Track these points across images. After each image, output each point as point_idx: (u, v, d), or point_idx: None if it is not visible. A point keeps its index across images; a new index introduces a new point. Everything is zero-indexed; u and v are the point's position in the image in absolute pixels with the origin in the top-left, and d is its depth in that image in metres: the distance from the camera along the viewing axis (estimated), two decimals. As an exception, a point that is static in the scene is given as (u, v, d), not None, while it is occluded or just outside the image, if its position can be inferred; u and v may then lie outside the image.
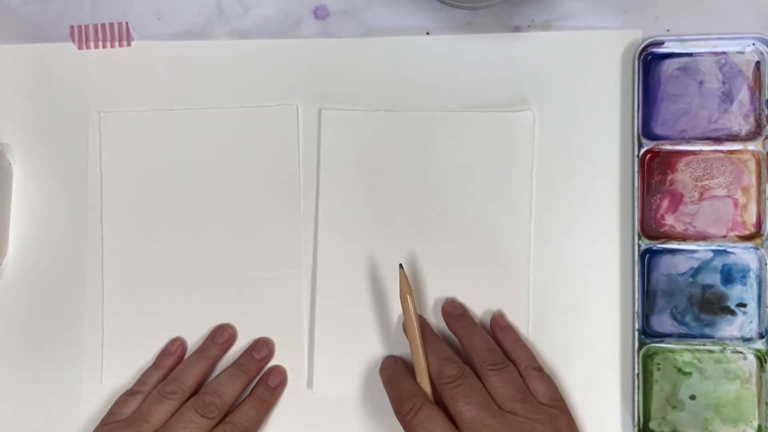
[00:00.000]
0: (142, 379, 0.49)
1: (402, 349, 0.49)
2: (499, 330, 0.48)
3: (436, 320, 0.49)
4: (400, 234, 0.49)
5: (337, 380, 0.49)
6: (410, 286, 0.45)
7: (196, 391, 0.48)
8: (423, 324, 0.48)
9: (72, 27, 0.51)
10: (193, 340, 0.50)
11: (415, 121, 0.49)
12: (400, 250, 0.49)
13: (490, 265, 0.49)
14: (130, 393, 0.48)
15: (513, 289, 0.49)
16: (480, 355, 0.45)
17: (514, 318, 0.49)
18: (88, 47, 0.51)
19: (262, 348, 0.49)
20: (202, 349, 0.49)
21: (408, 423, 0.43)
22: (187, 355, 0.50)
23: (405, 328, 0.46)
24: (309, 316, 0.50)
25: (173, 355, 0.49)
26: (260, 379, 0.49)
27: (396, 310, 0.49)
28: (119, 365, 0.50)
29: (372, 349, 0.49)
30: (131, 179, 0.51)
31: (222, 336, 0.49)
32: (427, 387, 0.45)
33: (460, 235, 0.49)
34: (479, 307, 0.49)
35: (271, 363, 0.50)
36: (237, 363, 0.49)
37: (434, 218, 0.49)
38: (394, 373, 0.47)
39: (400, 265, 0.46)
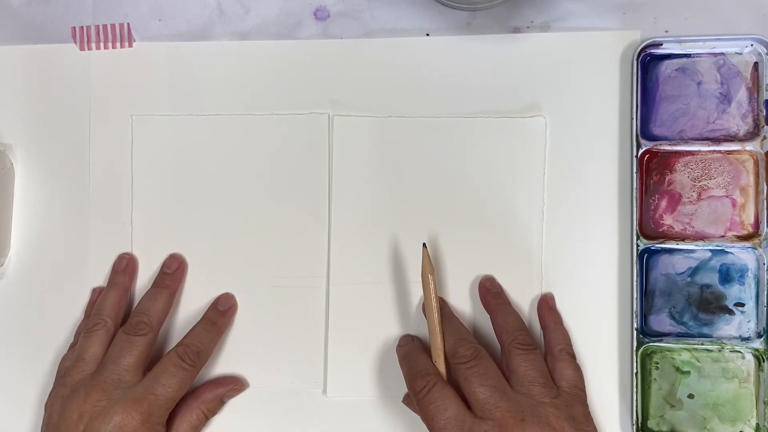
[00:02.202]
0: (76, 332, 0.50)
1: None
2: (547, 309, 0.48)
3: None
4: (412, 241, 0.49)
5: (350, 385, 0.49)
6: (432, 265, 0.46)
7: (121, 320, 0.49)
8: (442, 305, 0.48)
9: (73, 28, 0.51)
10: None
11: (427, 127, 0.49)
12: (412, 256, 0.49)
13: (503, 271, 0.49)
14: (68, 349, 0.49)
15: (527, 289, 0.49)
16: (511, 333, 0.46)
17: (525, 317, 0.49)
18: (89, 48, 0.51)
19: (171, 263, 0.50)
20: (108, 281, 0.50)
21: (421, 400, 0.43)
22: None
23: (424, 307, 0.46)
24: (324, 323, 0.50)
25: None
26: (210, 305, 0.50)
27: (408, 313, 0.49)
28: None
29: (384, 353, 0.49)
30: (159, 180, 0.51)
31: (120, 264, 0.50)
32: (441, 366, 0.45)
33: (474, 240, 0.49)
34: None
35: (287, 368, 0.50)
36: (153, 284, 0.49)
37: (447, 223, 0.49)
38: (410, 350, 0.47)
39: (424, 244, 0.46)
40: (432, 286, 0.45)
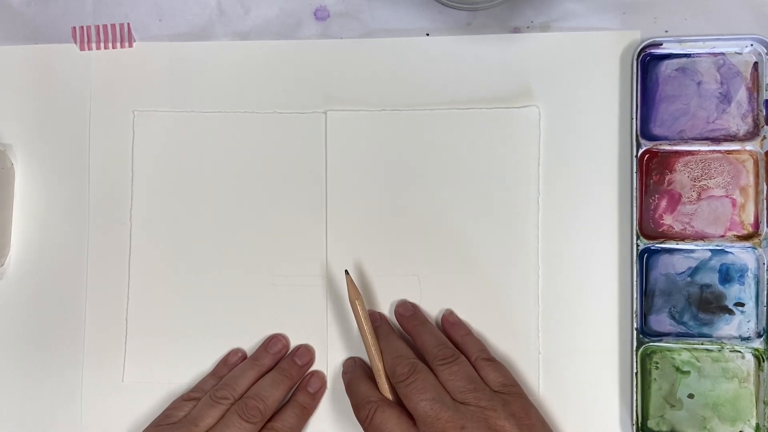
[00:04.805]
0: (199, 386, 0.49)
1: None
2: (449, 326, 0.48)
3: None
4: (409, 233, 0.49)
5: None
6: (358, 290, 0.46)
7: None
8: (380, 324, 0.48)
9: (74, 28, 0.51)
10: (217, 340, 0.50)
11: (421, 120, 0.50)
12: (408, 248, 0.49)
13: (499, 263, 0.49)
14: (186, 398, 0.48)
15: (523, 285, 0.49)
16: (430, 351, 0.46)
17: (523, 316, 0.49)
18: (89, 48, 0.51)
19: (304, 354, 0.49)
20: (255, 357, 0.49)
21: (366, 429, 0.44)
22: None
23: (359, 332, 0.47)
24: (325, 318, 0.50)
25: (233, 366, 0.49)
26: (300, 385, 0.49)
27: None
28: (141, 364, 0.50)
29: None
30: (160, 179, 0.51)
31: (275, 346, 0.49)
32: (385, 387, 0.46)
33: (469, 235, 0.49)
34: (490, 307, 0.49)
35: None
36: (279, 368, 0.49)
37: (443, 218, 0.49)
38: (352, 377, 0.47)
39: (346, 271, 0.47)
40: (361, 312, 0.46)
